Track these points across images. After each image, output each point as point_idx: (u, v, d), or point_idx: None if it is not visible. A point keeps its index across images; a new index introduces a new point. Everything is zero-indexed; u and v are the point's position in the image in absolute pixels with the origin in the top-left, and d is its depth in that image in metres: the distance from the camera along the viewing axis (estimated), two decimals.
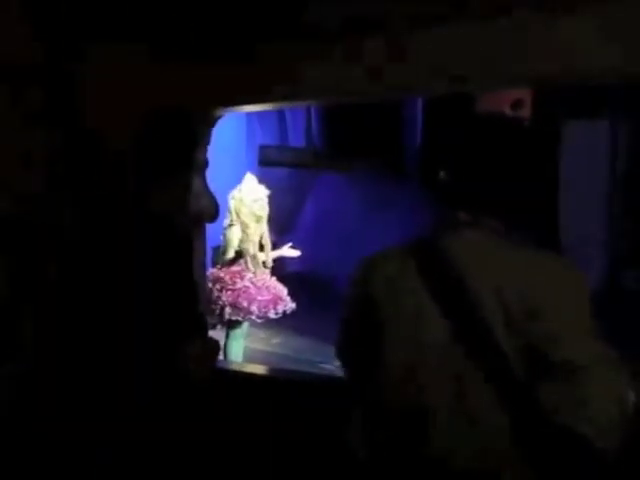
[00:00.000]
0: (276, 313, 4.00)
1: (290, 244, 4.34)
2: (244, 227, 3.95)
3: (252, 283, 3.93)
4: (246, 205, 3.95)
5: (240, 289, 3.89)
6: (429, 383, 1.28)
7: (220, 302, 3.84)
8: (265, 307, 3.93)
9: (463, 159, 1.31)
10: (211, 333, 2.55)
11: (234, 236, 3.96)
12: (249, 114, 6.01)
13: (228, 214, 3.98)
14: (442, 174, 1.35)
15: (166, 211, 1.67)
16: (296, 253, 4.28)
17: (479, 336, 1.22)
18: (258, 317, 3.95)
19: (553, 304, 1.19)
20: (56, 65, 2.34)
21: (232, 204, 3.97)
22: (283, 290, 4.10)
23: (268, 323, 4.46)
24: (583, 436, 1.14)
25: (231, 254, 3.98)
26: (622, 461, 1.18)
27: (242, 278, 3.93)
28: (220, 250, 4.06)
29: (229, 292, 3.88)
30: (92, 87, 2.40)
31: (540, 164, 1.35)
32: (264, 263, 4.07)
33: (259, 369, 2.70)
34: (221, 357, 3.37)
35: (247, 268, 3.97)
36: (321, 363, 4.44)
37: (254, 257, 3.98)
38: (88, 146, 2.28)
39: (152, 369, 1.63)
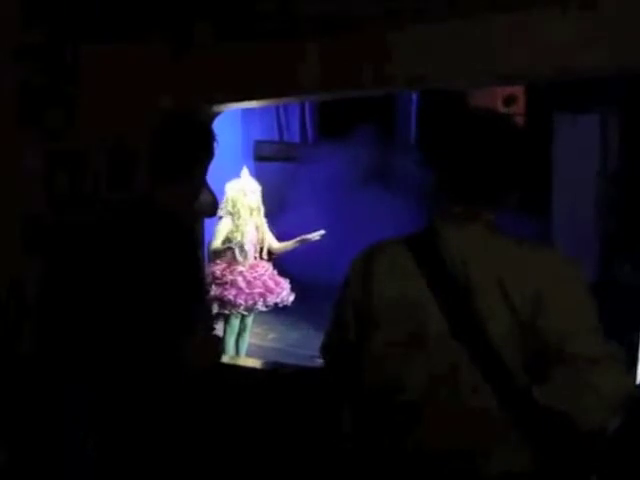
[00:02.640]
0: (265, 306, 3.96)
1: (322, 232, 4.03)
2: (236, 217, 3.93)
3: (242, 276, 3.90)
4: (245, 195, 3.95)
5: (227, 283, 3.87)
6: (425, 374, 1.29)
7: (209, 296, 3.80)
8: (252, 300, 3.89)
9: (459, 154, 1.32)
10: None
11: (223, 227, 3.93)
12: (245, 110, 6.00)
13: (221, 205, 3.94)
14: (439, 169, 1.37)
15: (175, 209, 1.69)
16: (318, 234, 3.99)
17: (478, 329, 1.23)
18: (246, 310, 3.91)
19: (558, 297, 1.21)
20: (56, 65, 2.35)
21: (229, 193, 3.96)
22: (281, 283, 4.05)
23: (263, 318, 4.44)
24: (581, 426, 1.18)
25: (216, 244, 3.93)
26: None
27: (232, 272, 3.91)
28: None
29: (217, 286, 3.87)
30: (92, 87, 2.42)
31: (534, 159, 1.37)
32: (260, 255, 4.05)
33: (258, 364, 2.73)
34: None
35: (236, 260, 3.94)
36: (318, 357, 4.44)
37: (242, 249, 3.95)
38: (92, 146, 2.30)
39: (156, 363, 1.65)
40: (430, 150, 1.43)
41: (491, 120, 1.36)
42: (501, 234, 1.31)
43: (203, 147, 1.73)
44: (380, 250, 1.44)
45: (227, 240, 3.95)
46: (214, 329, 1.91)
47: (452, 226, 1.33)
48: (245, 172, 4.08)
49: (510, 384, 1.23)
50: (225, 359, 3.30)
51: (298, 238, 4.04)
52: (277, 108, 7.67)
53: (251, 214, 3.98)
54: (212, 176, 2.69)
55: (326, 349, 1.57)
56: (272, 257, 4.16)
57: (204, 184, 2.31)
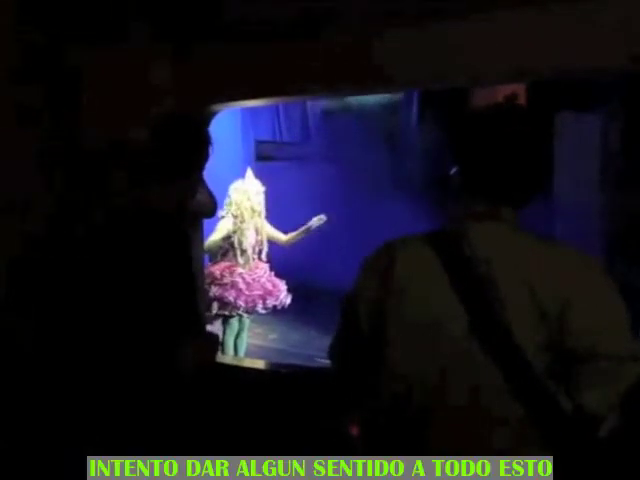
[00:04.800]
0: (265, 308, 3.99)
1: (322, 216, 4.06)
2: (240, 219, 3.94)
3: (242, 278, 3.92)
4: (249, 197, 3.96)
5: (227, 284, 3.89)
6: (444, 373, 1.26)
7: (208, 297, 3.83)
8: (252, 302, 3.91)
9: (483, 152, 1.31)
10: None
11: (223, 226, 3.94)
12: (244, 109, 6.00)
13: (225, 206, 3.98)
14: (457, 168, 1.36)
15: (170, 210, 1.68)
16: (320, 220, 4.03)
17: (502, 328, 1.21)
18: (246, 312, 3.95)
19: (585, 296, 1.20)
20: (57, 66, 2.34)
21: (233, 196, 3.97)
22: (279, 285, 4.08)
23: (264, 319, 4.46)
24: (609, 425, 1.18)
25: (212, 239, 3.92)
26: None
27: (232, 273, 3.92)
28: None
29: (217, 287, 3.88)
30: (93, 87, 2.41)
31: (551, 154, 1.35)
32: (259, 256, 4.06)
33: (259, 364, 2.72)
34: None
35: (237, 262, 3.96)
36: (319, 358, 4.45)
37: (244, 251, 3.97)
38: (88, 146, 2.29)
39: (151, 365, 1.64)
40: (453, 150, 1.39)
41: (516, 117, 1.33)
42: (524, 232, 1.30)
43: (198, 149, 1.73)
44: (401, 248, 1.39)
45: (226, 239, 3.95)
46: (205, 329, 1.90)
47: (475, 225, 1.31)
48: (249, 173, 4.09)
49: (534, 385, 1.21)
50: (225, 359, 3.30)
51: (302, 228, 4.07)
52: (277, 107, 7.65)
53: (252, 216, 3.98)
54: (212, 176, 2.68)
55: (335, 349, 1.52)
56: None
57: (200, 185, 2.31)
